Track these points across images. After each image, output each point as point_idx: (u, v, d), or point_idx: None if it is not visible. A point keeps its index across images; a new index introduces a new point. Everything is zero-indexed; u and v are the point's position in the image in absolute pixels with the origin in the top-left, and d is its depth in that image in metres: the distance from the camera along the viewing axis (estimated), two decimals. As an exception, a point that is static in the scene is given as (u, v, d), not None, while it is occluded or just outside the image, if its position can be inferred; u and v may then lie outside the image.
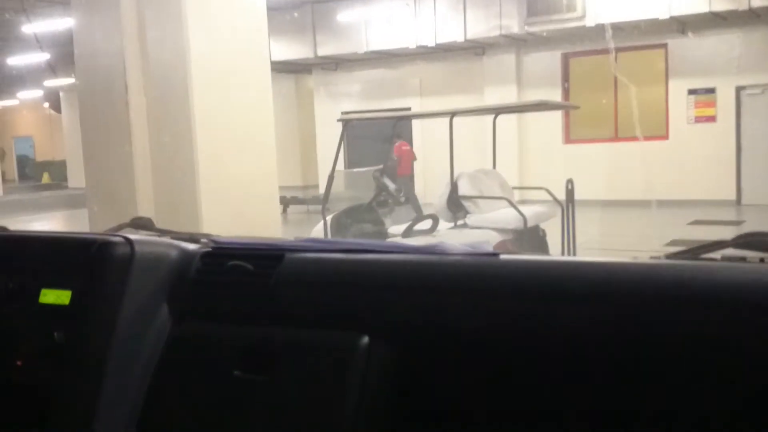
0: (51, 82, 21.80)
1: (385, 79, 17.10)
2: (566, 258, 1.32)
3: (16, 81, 21.34)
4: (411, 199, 12.00)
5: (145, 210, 5.08)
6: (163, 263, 1.36)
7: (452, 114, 6.82)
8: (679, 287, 1.01)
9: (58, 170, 26.13)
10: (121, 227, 1.52)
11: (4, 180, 26.37)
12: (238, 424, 1.21)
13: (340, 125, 7.53)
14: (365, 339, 1.15)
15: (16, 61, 17.65)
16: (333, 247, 1.36)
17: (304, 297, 1.27)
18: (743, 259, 1.09)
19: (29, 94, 26.86)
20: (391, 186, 7.48)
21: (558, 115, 14.81)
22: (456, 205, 6.50)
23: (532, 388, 1.05)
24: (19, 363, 1.31)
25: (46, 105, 28.77)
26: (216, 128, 4.90)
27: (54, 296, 1.31)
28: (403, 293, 1.20)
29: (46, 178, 27.70)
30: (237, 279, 1.31)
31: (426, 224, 6.44)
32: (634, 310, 1.01)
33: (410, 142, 14.58)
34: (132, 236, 1.36)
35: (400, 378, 1.13)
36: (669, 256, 1.16)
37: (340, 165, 17.47)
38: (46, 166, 28.69)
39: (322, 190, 16.56)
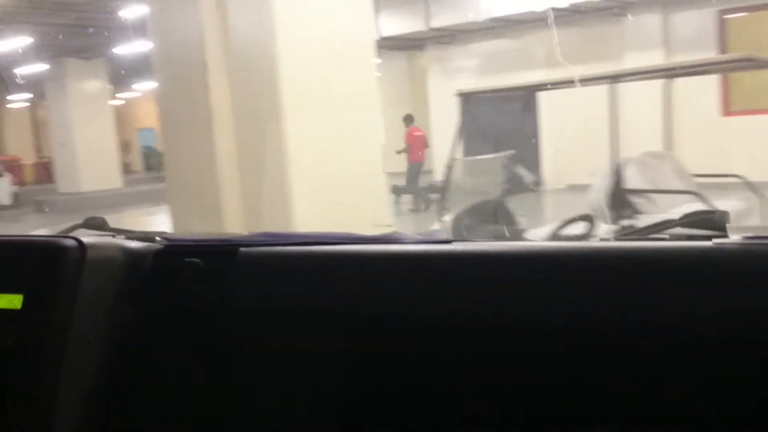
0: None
1: (505, 51, 15.66)
2: (520, 243, 1.29)
3: (138, 73, 21.86)
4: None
5: (230, 208, 4.47)
6: (116, 263, 1.34)
7: (613, 78, 5.36)
8: (627, 267, 1.03)
9: (178, 160, 26.66)
10: (73, 228, 1.49)
11: (129, 171, 27.36)
12: (197, 424, 1.22)
13: (454, 105, 6.37)
14: (323, 330, 1.17)
15: (137, 52, 17.86)
16: (288, 240, 1.35)
17: (260, 292, 1.27)
18: (691, 237, 1.11)
19: (151, 86, 27.61)
20: (528, 176, 6.16)
21: (713, 81, 12.77)
22: (620, 201, 4.89)
23: (495, 371, 1.07)
24: None
25: (166, 96, 29.50)
26: (309, 115, 4.22)
27: (5, 301, 1.29)
28: (359, 284, 1.20)
29: (167, 168, 28.37)
30: (191, 276, 1.30)
31: (579, 227, 5.02)
32: (585, 292, 1.03)
33: (535, 121, 13.37)
34: (84, 237, 1.34)
35: (361, 369, 1.13)
36: (618, 237, 1.28)
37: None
38: (168, 156, 29.37)
39: (435, 177, 15.91)
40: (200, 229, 4.50)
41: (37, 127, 31.18)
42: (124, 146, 29.71)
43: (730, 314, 0.93)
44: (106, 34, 16.57)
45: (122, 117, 25.79)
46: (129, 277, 1.33)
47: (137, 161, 32.88)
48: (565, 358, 1.01)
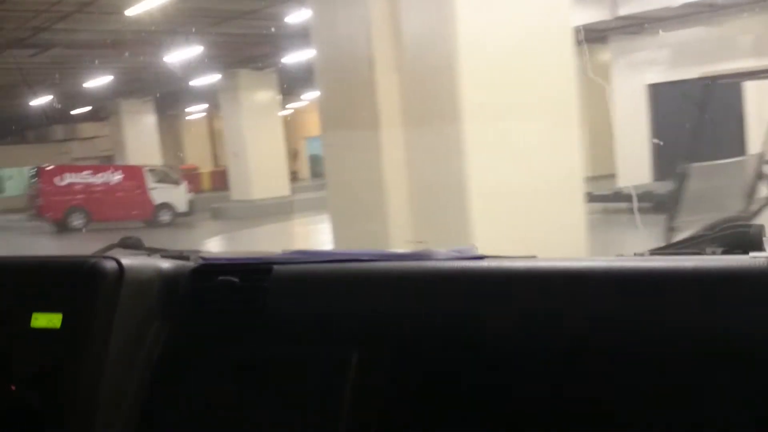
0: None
1: (703, 40, 14.03)
2: (551, 259, 1.23)
3: (306, 82, 22.30)
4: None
5: (396, 220, 3.82)
6: (153, 282, 1.36)
7: None
8: (664, 282, 1.03)
9: (342, 167, 27.00)
10: (109, 248, 1.49)
11: (297, 179, 28.07)
12: None
13: (641, 101, 5.17)
14: (357, 351, 1.16)
15: (305, 61, 18.07)
16: (321, 258, 1.38)
17: (295, 309, 1.28)
18: (727, 252, 1.10)
19: (317, 95, 28.10)
20: None
21: None
22: None
23: (525, 390, 1.06)
24: (13, 388, 1.31)
25: (332, 104, 30.03)
26: (493, 119, 3.47)
27: (45, 320, 1.31)
28: (392, 301, 1.20)
29: (332, 176, 28.83)
30: (226, 294, 1.32)
31: None
32: (622, 307, 1.03)
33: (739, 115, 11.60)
34: (121, 256, 1.36)
35: (394, 388, 1.14)
36: (653, 252, 1.18)
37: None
38: (333, 163, 29.86)
39: (620, 182, 14.43)
40: (363, 241, 4.17)
41: (214, 137, 32.96)
42: (293, 155, 30.69)
43: (764, 329, 0.93)
44: (275, 44, 16.85)
45: (291, 126, 26.47)
46: (165, 296, 1.35)
47: (305, 169, 33.81)
48: (600, 375, 1.02)
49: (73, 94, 22.04)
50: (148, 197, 19.49)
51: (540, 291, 1.09)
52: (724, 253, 1.09)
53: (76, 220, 19.05)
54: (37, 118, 27.27)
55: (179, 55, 16.43)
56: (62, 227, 18.74)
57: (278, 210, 18.02)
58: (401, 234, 3.74)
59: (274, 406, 1.20)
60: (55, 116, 27.41)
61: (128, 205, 19.11)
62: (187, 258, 1.45)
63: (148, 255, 1.49)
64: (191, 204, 20.24)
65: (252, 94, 20.33)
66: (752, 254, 1.02)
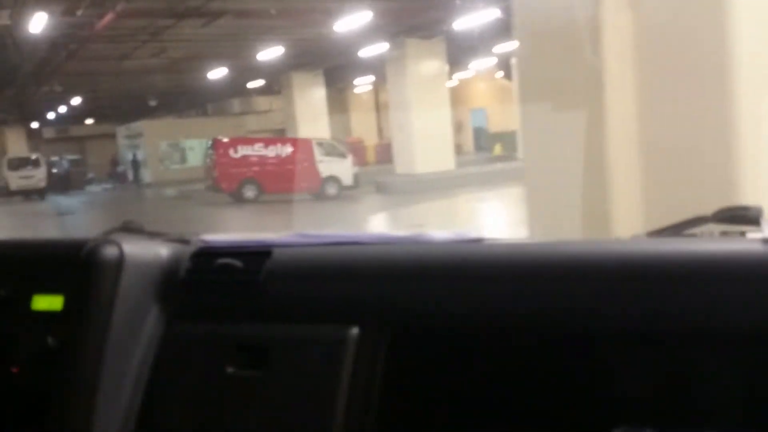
0: (502, 48, 21.13)
1: None
2: (550, 240, 1.25)
3: (474, 51, 21.43)
4: None
5: (624, 212, 3.07)
6: (154, 265, 1.37)
7: None
8: (662, 264, 1.03)
9: (509, 141, 26.04)
10: (110, 231, 1.48)
11: (461, 152, 27.39)
12: (234, 421, 1.23)
13: None
14: (356, 331, 1.18)
15: (469, 28, 17.17)
16: (320, 240, 1.39)
17: (294, 291, 1.29)
18: (724, 233, 1.10)
19: (483, 64, 27.14)
20: None
21: None
22: None
23: (523, 370, 1.08)
24: (14, 370, 1.33)
25: (500, 74, 29.00)
26: None
27: (46, 302, 1.32)
28: (391, 282, 1.21)
29: (497, 150, 27.96)
30: (226, 277, 1.32)
31: None
32: (619, 289, 1.03)
33: None
34: (122, 239, 1.36)
35: (392, 368, 1.15)
36: (650, 234, 1.19)
37: None
38: (499, 137, 28.95)
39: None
40: (573, 228, 3.60)
41: (379, 110, 33.00)
42: (457, 127, 30.01)
43: (765, 308, 0.93)
44: (445, 9, 16.11)
45: (456, 97, 25.73)
46: (166, 279, 1.36)
47: (468, 142, 33.01)
48: (599, 355, 1.04)
49: (248, 67, 22.72)
50: (316, 170, 19.65)
51: (538, 272, 1.11)
52: (722, 234, 1.10)
53: (249, 192, 19.64)
54: (217, 91, 28.62)
55: (348, 24, 16.17)
56: (236, 198, 19.40)
57: (443, 185, 17.44)
58: (629, 220, 2.91)
59: (274, 387, 1.22)
60: (233, 90, 28.60)
61: (297, 178, 19.40)
62: (187, 241, 1.45)
63: (149, 238, 1.48)
64: (356, 177, 20.18)
65: (419, 64, 19.78)
66: (750, 235, 1.04)
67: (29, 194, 26.60)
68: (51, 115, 34.88)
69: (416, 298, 1.17)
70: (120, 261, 1.30)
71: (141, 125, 33.32)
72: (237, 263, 1.31)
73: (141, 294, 1.32)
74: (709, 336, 0.97)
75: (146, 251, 1.37)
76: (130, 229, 1.49)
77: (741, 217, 1.07)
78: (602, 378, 1.03)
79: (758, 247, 0.98)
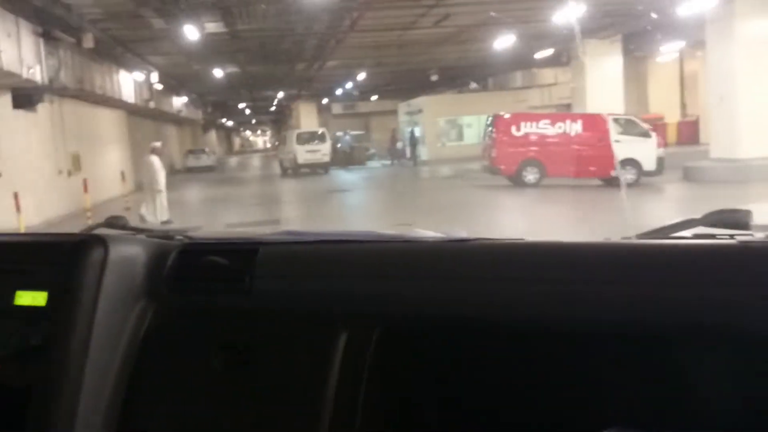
0: None
1: None
2: (538, 241, 1.23)
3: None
4: None
5: None
6: (138, 261, 1.35)
7: None
8: (652, 267, 1.02)
9: None
10: (95, 227, 1.48)
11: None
12: (218, 418, 1.22)
13: None
14: (343, 330, 1.18)
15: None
16: (308, 238, 1.37)
17: (281, 289, 1.27)
18: (713, 236, 1.09)
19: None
20: None
21: None
22: None
23: (511, 370, 1.10)
24: None
25: None
26: None
27: (29, 298, 1.31)
28: (379, 281, 1.20)
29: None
30: (213, 274, 1.31)
31: None
32: (608, 290, 1.02)
33: None
34: (107, 235, 1.34)
35: (379, 367, 1.16)
36: (640, 236, 1.19)
37: None
38: None
39: None
40: None
41: (683, 82, 28.60)
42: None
43: (755, 311, 0.93)
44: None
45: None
46: (151, 276, 1.34)
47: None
48: (585, 356, 1.04)
49: (536, 35, 20.41)
50: (611, 151, 16.74)
51: (526, 273, 1.10)
52: (711, 237, 1.09)
53: (530, 175, 17.46)
54: (499, 63, 26.77)
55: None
56: (515, 181, 17.34)
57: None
58: None
59: (260, 385, 1.20)
60: (516, 61, 26.49)
61: (585, 160, 16.72)
62: (172, 238, 1.45)
63: (134, 234, 1.47)
64: (660, 162, 16.93)
65: (752, 22, 15.83)
66: (739, 238, 1.03)
67: (314, 168, 27.31)
68: (339, 91, 35.98)
69: (404, 297, 1.17)
70: (104, 257, 1.28)
71: (421, 101, 32.84)
72: (223, 261, 1.30)
73: (125, 291, 1.31)
74: (698, 337, 0.99)
75: (131, 248, 1.35)
76: (114, 224, 1.49)
77: (730, 220, 1.08)
78: (590, 378, 1.06)
79: (747, 251, 1.00)
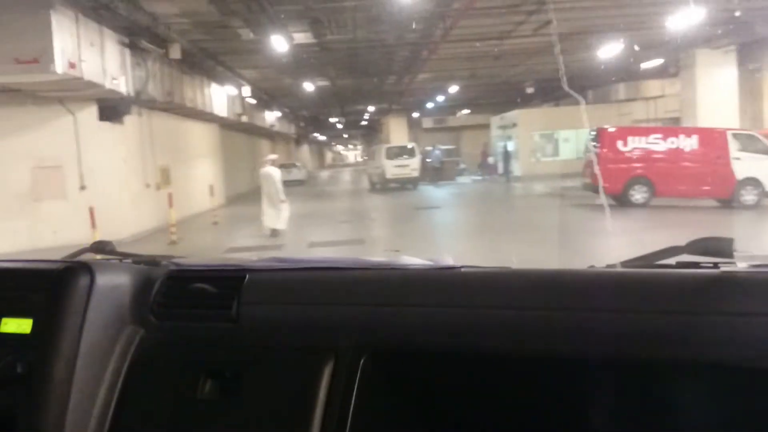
0: None
1: None
2: (523, 269, 1.25)
3: None
4: None
5: None
6: (124, 288, 1.35)
7: None
8: (636, 295, 1.04)
9: None
10: (81, 252, 1.50)
11: None
12: None
13: None
14: (331, 357, 1.18)
15: None
16: (296, 265, 1.37)
17: (269, 316, 1.28)
18: (697, 264, 1.10)
19: None
20: None
21: None
22: None
23: (498, 396, 1.10)
24: None
25: None
26: None
27: (15, 325, 1.30)
28: (366, 308, 1.22)
29: None
30: (200, 301, 1.32)
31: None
32: (592, 318, 1.04)
33: None
34: (92, 262, 1.35)
35: (366, 394, 1.15)
36: (625, 264, 1.21)
37: None
38: None
39: None
40: None
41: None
42: None
43: (738, 340, 0.94)
44: None
45: None
46: (137, 302, 1.34)
47: None
48: (569, 382, 1.04)
49: (644, 44, 18.94)
50: (730, 169, 15.17)
51: (512, 301, 1.11)
52: (695, 265, 1.10)
53: (638, 194, 16.01)
54: (600, 75, 25.26)
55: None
56: (620, 201, 15.93)
57: None
58: None
59: (247, 411, 1.19)
60: (620, 72, 24.90)
61: (699, 179, 15.22)
62: (158, 263, 1.45)
63: (120, 260, 1.47)
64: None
65: None
66: (723, 268, 1.05)
67: (403, 183, 26.58)
68: (429, 105, 35.18)
69: (391, 324, 1.17)
70: (90, 284, 1.29)
71: (515, 114, 31.55)
72: (210, 288, 1.31)
73: (111, 318, 1.30)
74: (680, 365, 0.99)
75: (117, 274, 1.35)
76: (100, 249, 1.50)
77: (714, 248, 1.08)
78: (574, 404, 1.06)
79: (730, 279, 1.01)
